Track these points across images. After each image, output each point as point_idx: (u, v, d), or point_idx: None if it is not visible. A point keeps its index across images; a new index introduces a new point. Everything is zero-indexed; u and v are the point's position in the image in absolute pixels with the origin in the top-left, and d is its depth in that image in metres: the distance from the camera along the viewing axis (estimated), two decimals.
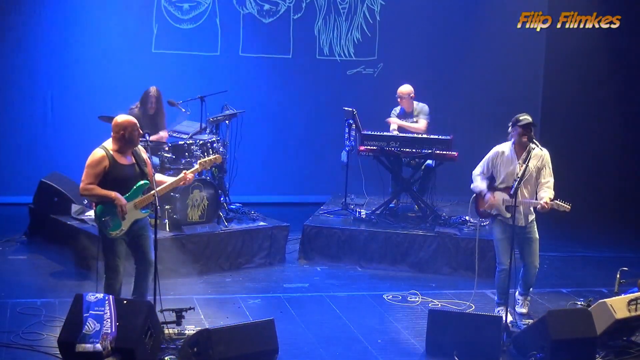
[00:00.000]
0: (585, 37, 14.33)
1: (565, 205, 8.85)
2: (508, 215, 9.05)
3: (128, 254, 8.41)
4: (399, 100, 12.18)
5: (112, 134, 8.17)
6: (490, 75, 15.17)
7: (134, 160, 8.26)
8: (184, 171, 8.55)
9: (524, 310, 9.58)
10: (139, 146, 8.39)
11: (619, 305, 8.47)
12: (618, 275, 10.06)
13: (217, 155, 9.15)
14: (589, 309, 8.58)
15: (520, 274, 9.53)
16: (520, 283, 9.58)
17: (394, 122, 12.10)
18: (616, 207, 14.45)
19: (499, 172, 9.17)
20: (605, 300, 8.56)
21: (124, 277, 8.41)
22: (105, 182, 8.07)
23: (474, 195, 9.35)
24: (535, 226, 9.31)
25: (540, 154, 9.05)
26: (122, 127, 8.13)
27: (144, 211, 8.28)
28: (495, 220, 9.29)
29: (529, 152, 8.91)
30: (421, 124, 12.07)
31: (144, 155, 8.41)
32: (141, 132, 8.34)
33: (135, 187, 8.19)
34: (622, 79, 14.75)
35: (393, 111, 12.30)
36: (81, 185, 8.09)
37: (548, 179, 9.09)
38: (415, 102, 12.21)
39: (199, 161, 8.88)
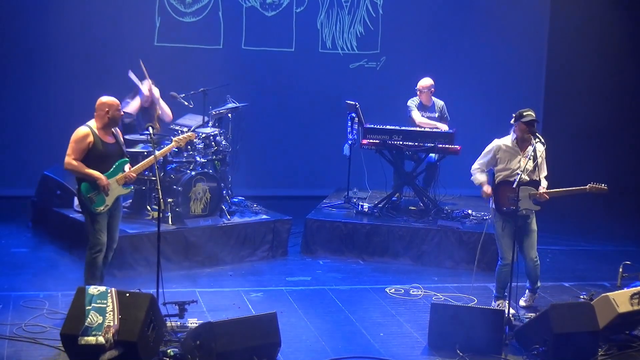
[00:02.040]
0: (587, 36, 14.39)
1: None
2: (537, 207, 9.10)
3: None
4: (418, 93, 12.13)
5: (95, 112, 8.63)
6: (494, 69, 15.18)
7: (115, 140, 8.73)
8: (155, 153, 8.97)
9: (524, 304, 9.63)
10: (117, 129, 8.86)
11: (621, 299, 8.48)
12: (621, 269, 10.08)
13: (191, 133, 9.80)
14: (591, 302, 8.59)
15: (524, 268, 9.53)
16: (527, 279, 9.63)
17: (426, 123, 11.99)
18: (619, 201, 14.45)
19: (501, 166, 9.19)
20: (607, 294, 8.57)
21: (105, 278, 8.93)
22: (89, 158, 8.50)
23: (492, 198, 9.26)
24: (535, 217, 9.33)
25: (541, 149, 9.08)
26: (107, 106, 8.61)
27: (125, 187, 8.77)
28: (497, 215, 9.29)
29: (534, 147, 8.98)
30: (444, 127, 12.03)
31: (121, 138, 8.93)
32: (122, 112, 8.96)
33: (115, 164, 8.63)
34: (626, 79, 14.77)
35: (411, 101, 12.19)
36: (66, 159, 8.51)
37: (545, 172, 9.19)
38: (433, 97, 12.19)
39: (173, 139, 9.58)
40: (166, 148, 9.53)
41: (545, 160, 9.21)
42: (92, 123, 8.61)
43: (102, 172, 8.52)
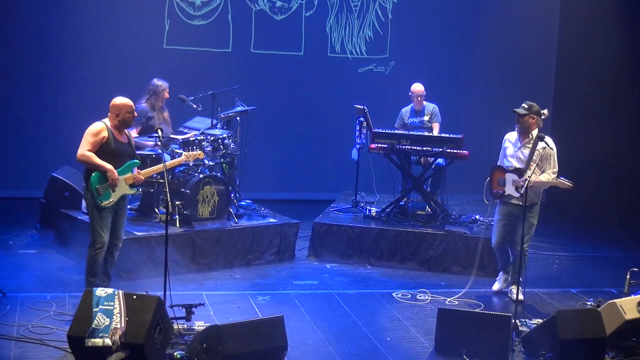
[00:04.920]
0: (596, 36, 14.36)
1: (566, 182, 9.47)
2: (517, 195, 9.55)
3: None
4: (414, 97, 12.19)
5: (109, 113, 8.80)
6: (503, 74, 15.17)
7: (128, 140, 8.92)
8: (165, 162, 9.10)
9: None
10: (128, 132, 9.02)
11: (628, 306, 8.46)
12: (628, 276, 10.05)
13: (200, 152, 10.01)
14: (598, 309, 8.57)
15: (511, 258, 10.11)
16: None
17: None
18: (627, 207, 14.41)
19: (507, 155, 9.82)
20: (615, 300, 8.55)
21: (113, 280, 9.11)
22: (101, 154, 8.67)
23: (488, 178, 9.87)
24: (536, 212, 9.67)
25: (542, 145, 9.54)
26: (117, 109, 8.77)
27: (132, 188, 8.93)
28: (501, 202, 9.85)
29: (536, 141, 9.59)
30: (437, 129, 12.12)
31: (133, 141, 9.09)
32: (136, 114, 9.02)
33: (127, 164, 8.82)
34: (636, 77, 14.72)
35: (404, 110, 12.33)
36: (80, 151, 8.66)
37: (554, 169, 9.61)
38: (424, 102, 12.26)
39: (184, 153, 9.84)
40: (176, 160, 9.80)
41: (556, 160, 9.60)
42: (107, 120, 8.80)
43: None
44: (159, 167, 9.20)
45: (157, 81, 11.22)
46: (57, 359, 7.72)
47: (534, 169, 9.49)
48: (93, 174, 8.65)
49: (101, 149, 8.67)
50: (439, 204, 11.90)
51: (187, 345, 7.82)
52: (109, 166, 8.64)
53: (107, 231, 8.80)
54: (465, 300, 9.95)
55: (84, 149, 8.64)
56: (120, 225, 9.01)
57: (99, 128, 8.69)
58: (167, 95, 11.22)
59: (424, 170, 12.01)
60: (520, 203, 9.46)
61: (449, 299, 10.00)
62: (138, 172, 8.94)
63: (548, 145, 9.46)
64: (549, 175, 9.53)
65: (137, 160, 8.98)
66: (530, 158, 9.58)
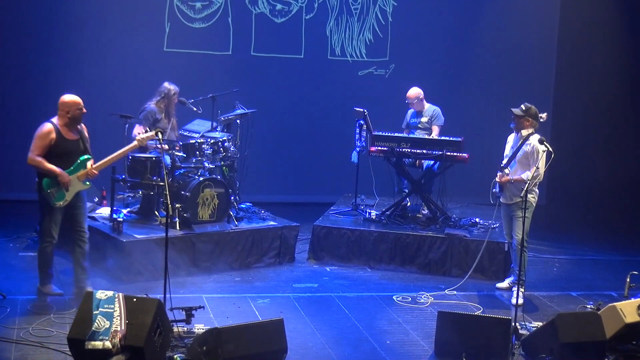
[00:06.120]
0: (596, 36, 14.36)
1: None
2: (494, 190, 10.08)
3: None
4: (409, 104, 12.20)
5: (58, 112, 8.92)
6: (503, 76, 15.18)
7: (78, 137, 8.98)
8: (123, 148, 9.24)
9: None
10: (83, 125, 9.10)
11: (628, 310, 8.46)
12: (628, 279, 10.05)
13: (152, 133, 9.44)
14: (598, 312, 8.57)
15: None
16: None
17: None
18: (627, 210, 14.42)
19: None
20: (615, 304, 8.55)
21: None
22: (51, 154, 8.81)
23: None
24: (520, 207, 9.64)
25: (532, 143, 9.77)
26: (67, 106, 8.91)
27: (85, 182, 9.01)
28: None
29: (525, 140, 9.85)
30: (435, 131, 12.09)
31: (86, 134, 9.13)
32: (85, 110, 9.03)
33: (78, 161, 8.91)
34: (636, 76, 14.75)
35: (410, 111, 12.32)
36: (30, 155, 8.87)
37: (535, 169, 9.62)
38: (426, 104, 12.23)
39: (136, 138, 9.53)
40: (128, 147, 9.48)
41: (538, 160, 9.59)
42: (56, 120, 8.93)
43: (63, 169, 8.83)
44: (111, 158, 9.22)
45: (168, 85, 11.24)
46: None
47: (515, 165, 9.88)
48: (44, 179, 8.81)
49: (50, 150, 8.81)
50: (439, 207, 11.89)
51: (187, 348, 7.81)
52: (58, 170, 8.77)
53: (57, 226, 9.01)
54: (464, 303, 9.95)
55: (34, 154, 8.81)
56: (81, 218, 9.14)
57: (47, 130, 8.83)
58: (176, 99, 11.22)
59: (423, 173, 12.00)
60: (505, 200, 10.06)
61: (447, 290, 10.26)
62: (91, 166, 8.99)
63: (547, 148, 9.40)
64: (528, 173, 9.66)
65: (88, 156, 9.03)
66: (514, 155, 9.88)
